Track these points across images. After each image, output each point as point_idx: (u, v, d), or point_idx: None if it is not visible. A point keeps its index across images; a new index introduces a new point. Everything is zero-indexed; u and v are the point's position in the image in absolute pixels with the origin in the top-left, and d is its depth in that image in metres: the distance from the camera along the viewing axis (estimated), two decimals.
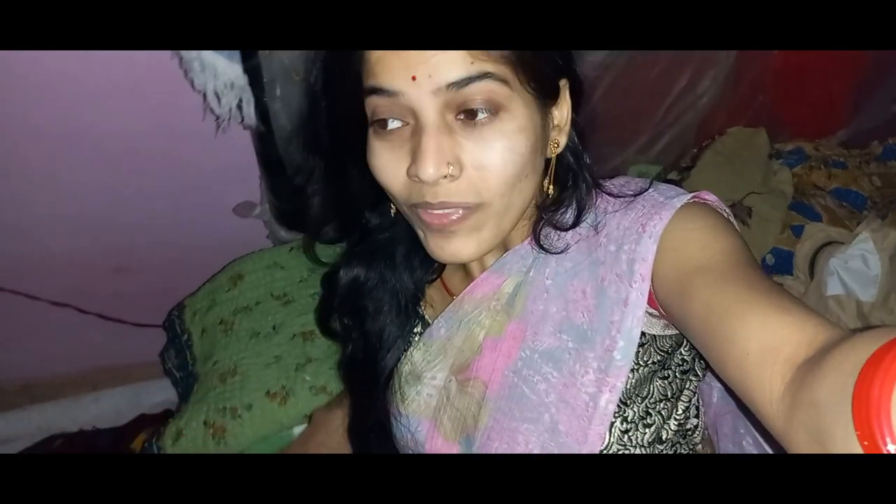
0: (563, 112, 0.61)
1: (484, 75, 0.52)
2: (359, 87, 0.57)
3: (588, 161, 0.65)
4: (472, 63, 0.52)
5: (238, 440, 1.00)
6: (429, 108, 0.53)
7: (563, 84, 0.61)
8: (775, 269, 1.18)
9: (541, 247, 0.63)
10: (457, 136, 0.54)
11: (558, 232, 0.63)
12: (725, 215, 0.59)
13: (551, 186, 0.63)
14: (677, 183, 1.25)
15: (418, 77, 0.52)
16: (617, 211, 0.60)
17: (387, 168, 0.58)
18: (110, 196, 1.33)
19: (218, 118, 0.90)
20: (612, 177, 0.67)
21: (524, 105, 0.56)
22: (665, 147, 1.33)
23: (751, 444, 0.70)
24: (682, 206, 0.57)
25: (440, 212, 0.57)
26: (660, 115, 1.27)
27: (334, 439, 0.83)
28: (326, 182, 0.73)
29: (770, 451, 0.68)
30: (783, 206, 1.20)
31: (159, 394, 1.64)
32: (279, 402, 0.99)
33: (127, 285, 1.53)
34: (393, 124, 0.56)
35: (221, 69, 0.84)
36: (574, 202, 0.64)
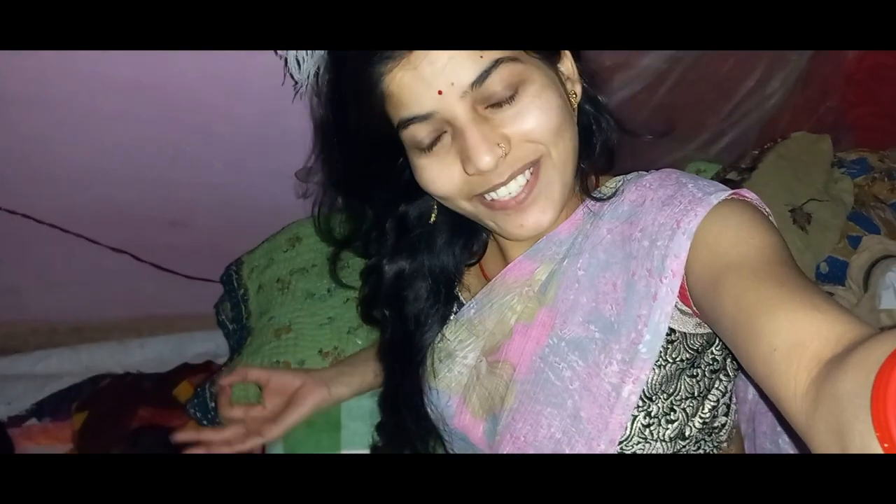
0: (567, 65, 0.65)
1: (497, 63, 0.56)
2: (387, 122, 0.60)
3: (605, 104, 0.68)
4: (483, 57, 0.55)
5: None
6: (461, 111, 0.57)
7: None
8: (828, 278, 1.17)
9: (593, 197, 0.65)
10: (493, 121, 0.58)
11: (605, 185, 0.67)
12: (764, 212, 0.59)
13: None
14: (737, 184, 1.24)
15: (444, 90, 0.55)
16: (654, 205, 0.60)
17: (440, 178, 0.61)
18: (172, 151, 1.37)
19: (296, 83, 0.92)
20: (659, 168, 0.68)
21: (538, 68, 0.59)
22: (726, 146, 1.31)
23: (787, 443, 0.70)
24: (720, 202, 0.57)
25: (509, 193, 0.60)
26: (725, 112, 1.25)
27: None
28: (353, 199, 0.76)
29: (796, 450, 0.68)
30: (843, 214, 1.19)
31: (203, 345, 1.70)
32: (331, 361, 1.02)
33: (181, 239, 1.58)
34: (430, 137, 0.59)
35: None
36: (602, 144, 0.67)
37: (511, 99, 0.57)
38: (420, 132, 0.59)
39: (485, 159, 0.56)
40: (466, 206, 0.64)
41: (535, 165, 0.60)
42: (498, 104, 0.57)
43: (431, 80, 0.55)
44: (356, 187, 0.72)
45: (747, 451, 0.76)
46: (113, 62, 1.17)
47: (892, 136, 1.35)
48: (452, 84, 0.55)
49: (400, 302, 0.76)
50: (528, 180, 0.61)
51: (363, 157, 0.66)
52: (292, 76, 0.88)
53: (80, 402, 1.52)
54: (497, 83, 0.56)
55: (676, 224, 0.56)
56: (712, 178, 1.33)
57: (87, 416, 1.49)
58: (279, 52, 0.89)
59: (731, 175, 1.28)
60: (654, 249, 0.57)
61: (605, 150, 0.68)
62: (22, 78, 1.18)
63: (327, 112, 0.69)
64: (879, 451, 0.32)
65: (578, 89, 0.65)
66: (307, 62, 0.86)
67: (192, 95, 1.26)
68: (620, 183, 0.67)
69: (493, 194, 0.61)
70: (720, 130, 1.30)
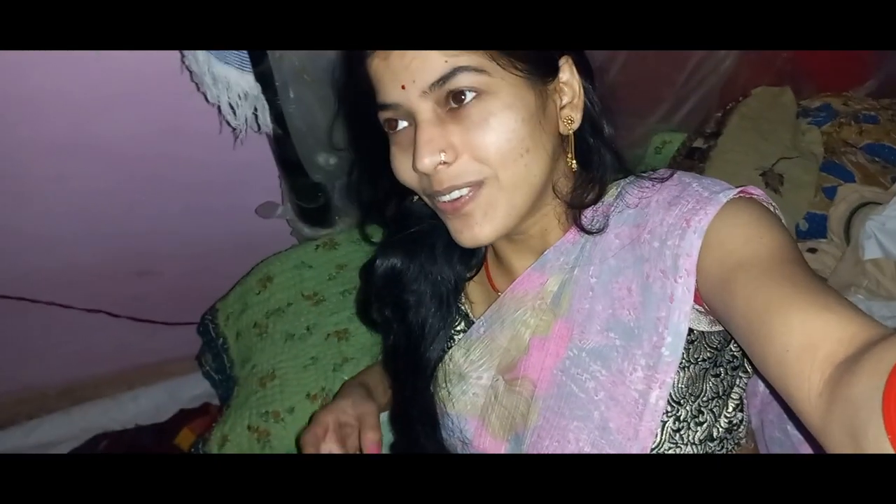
0: (572, 88, 0.62)
1: (458, 69, 0.56)
2: (374, 100, 0.62)
3: (609, 136, 0.66)
4: (447, 61, 0.56)
5: (282, 442, 1.02)
6: (420, 108, 0.58)
7: (564, 61, 0.62)
8: (809, 234, 1.16)
9: (582, 228, 0.63)
10: (448, 126, 0.58)
11: (594, 212, 0.65)
12: (772, 209, 0.59)
13: (573, 162, 0.64)
14: (704, 152, 1.22)
15: (406, 85, 0.57)
16: (661, 207, 0.60)
17: (401, 168, 0.62)
18: (127, 204, 1.34)
19: (235, 129, 0.88)
20: (653, 169, 0.66)
21: (510, 85, 0.58)
22: (688, 113, 1.29)
23: (795, 429, 0.70)
24: (728, 201, 0.56)
25: (450, 198, 0.60)
26: (681, 81, 1.22)
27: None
28: (366, 173, 0.77)
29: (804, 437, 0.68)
30: (815, 168, 1.17)
31: (197, 387, 1.67)
32: (320, 404, 1.00)
33: (152, 287, 1.54)
34: (401, 125, 0.61)
35: (234, 80, 0.82)
36: (597, 178, 0.65)
37: (469, 104, 0.57)
38: (388, 117, 0.61)
39: (423, 161, 0.57)
40: (427, 201, 0.64)
41: (477, 186, 0.59)
42: (457, 110, 0.57)
43: (397, 74, 0.57)
44: (371, 162, 0.73)
45: (757, 443, 0.75)
46: (49, 120, 1.12)
47: (852, 77, 1.33)
48: (414, 82, 0.57)
49: (403, 307, 0.75)
50: (468, 193, 0.59)
51: (369, 135, 0.67)
52: (229, 123, 0.84)
53: None
54: (457, 86, 0.56)
55: (686, 223, 0.56)
56: (679, 149, 1.32)
57: None
58: (210, 100, 0.85)
59: (698, 143, 1.26)
60: (664, 249, 0.57)
61: (599, 186, 0.66)
62: None
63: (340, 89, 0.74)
64: (892, 453, 0.33)
65: (577, 116, 0.62)
66: (242, 106, 0.82)
67: (137, 146, 1.21)
68: (618, 189, 0.66)
69: (437, 198, 0.61)
70: (680, 99, 1.27)
